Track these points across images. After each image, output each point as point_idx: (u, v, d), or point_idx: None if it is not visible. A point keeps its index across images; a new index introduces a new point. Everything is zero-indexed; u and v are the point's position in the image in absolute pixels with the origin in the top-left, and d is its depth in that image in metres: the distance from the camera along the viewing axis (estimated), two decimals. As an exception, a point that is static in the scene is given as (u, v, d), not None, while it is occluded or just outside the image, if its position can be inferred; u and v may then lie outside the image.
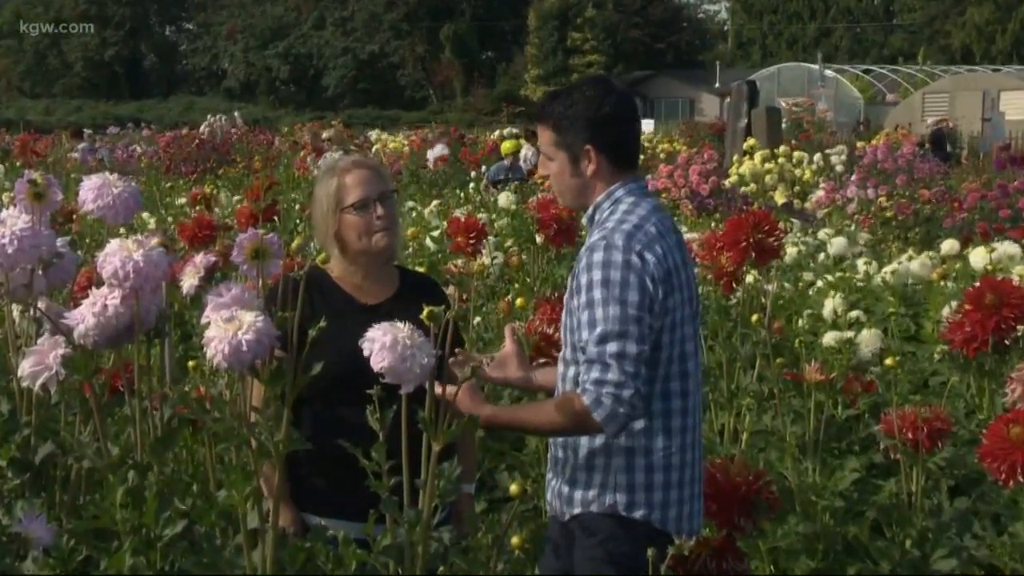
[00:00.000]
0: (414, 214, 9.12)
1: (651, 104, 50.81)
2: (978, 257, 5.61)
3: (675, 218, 10.49)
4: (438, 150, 16.90)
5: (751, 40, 62.13)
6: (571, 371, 2.48)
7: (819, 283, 5.96)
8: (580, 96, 2.50)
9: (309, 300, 2.58)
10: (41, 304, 2.12)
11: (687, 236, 5.82)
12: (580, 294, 2.38)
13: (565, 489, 2.51)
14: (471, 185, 13.41)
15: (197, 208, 6.62)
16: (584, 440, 2.46)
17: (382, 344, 1.87)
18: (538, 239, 5.79)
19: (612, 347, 2.31)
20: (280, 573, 1.84)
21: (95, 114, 46.59)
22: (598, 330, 2.33)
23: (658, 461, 2.46)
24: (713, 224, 8.63)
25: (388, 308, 2.75)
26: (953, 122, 23.09)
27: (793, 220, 9.23)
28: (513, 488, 2.21)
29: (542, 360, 3.01)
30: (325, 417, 2.68)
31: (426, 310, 1.94)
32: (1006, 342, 3.69)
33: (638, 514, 2.45)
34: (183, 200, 9.64)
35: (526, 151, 15.04)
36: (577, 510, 2.49)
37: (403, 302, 2.78)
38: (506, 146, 15.78)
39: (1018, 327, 3.66)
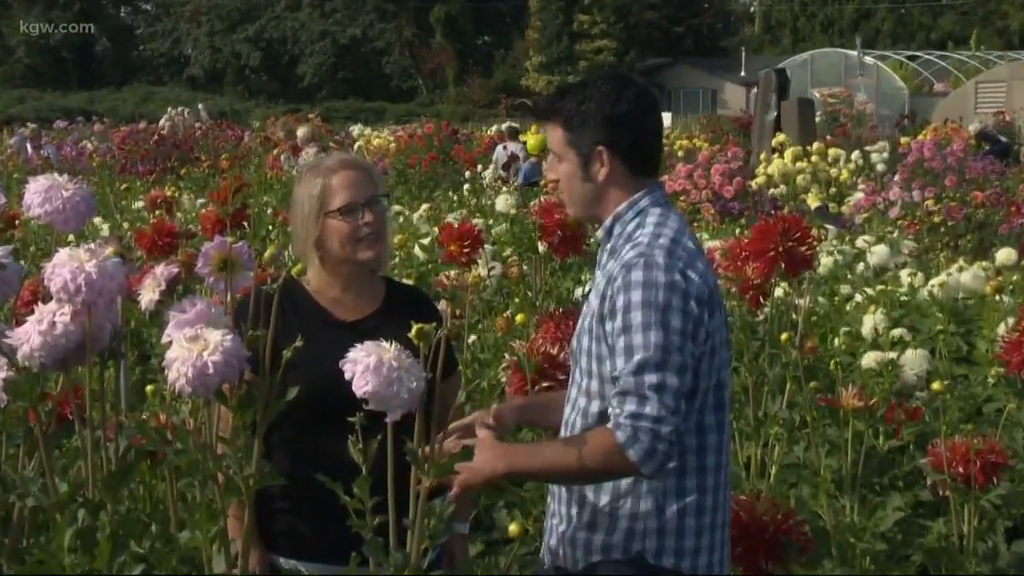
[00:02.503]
0: (401, 219, 9.14)
1: (668, 95, 50.87)
2: (1037, 268, 5.63)
3: (695, 224, 10.53)
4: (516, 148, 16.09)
5: (781, 23, 62.32)
6: (595, 406, 2.47)
7: (857, 297, 5.97)
8: (594, 91, 2.51)
9: (279, 315, 2.59)
10: (-20, 321, 2.13)
11: (708, 244, 5.84)
12: (615, 317, 2.37)
13: (581, 535, 2.51)
14: (465, 186, 13.44)
15: (156, 213, 6.62)
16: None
17: (366, 366, 1.88)
18: (541, 248, 5.79)
19: (651, 378, 2.30)
20: (250, 625, 1.85)
21: (39, 106, 46.56)
22: (636, 358, 2.32)
23: (691, 504, 2.47)
24: (738, 231, 8.64)
25: (369, 325, 2.76)
26: (1010, 115, 23.11)
27: (828, 226, 9.25)
28: (513, 528, 2.22)
29: (545, 384, 3.01)
30: (299, 448, 2.69)
31: (415, 328, 1.94)
32: (1069, 364, 3.69)
33: (668, 562, 2.46)
34: (140, 204, 9.66)
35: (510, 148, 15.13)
36: (596, 557, 2.49)
37: (387, 318, 2.79)
38: (533, 143, 15.64)
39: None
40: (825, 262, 6.86)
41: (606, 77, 2.60)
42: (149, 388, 3.26)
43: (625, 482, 2.44)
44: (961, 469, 3.23)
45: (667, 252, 2.39)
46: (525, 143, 15.87)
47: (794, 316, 4.48)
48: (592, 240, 4.90)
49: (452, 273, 5.02)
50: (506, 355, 4.33)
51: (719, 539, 2.52)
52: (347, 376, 1.89)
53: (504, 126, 18.61)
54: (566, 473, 2.40)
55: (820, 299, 6.06)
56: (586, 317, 2.52)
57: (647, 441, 2.27)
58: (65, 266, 1.89)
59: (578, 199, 2.56)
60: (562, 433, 2.58)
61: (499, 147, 16.34)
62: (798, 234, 3.86)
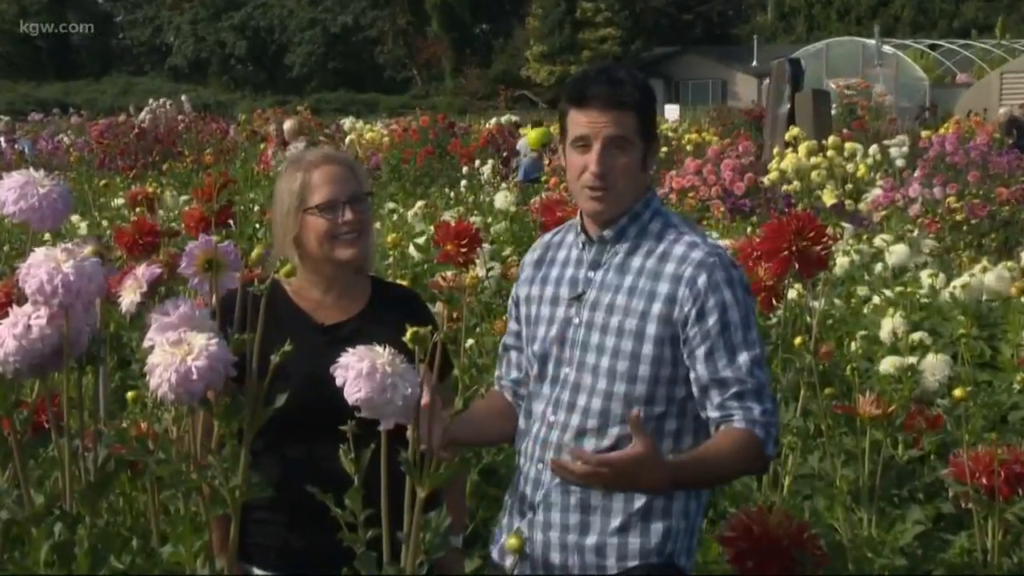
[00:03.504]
0: (396, 217, 9.14)
1: (676, 87, 50.94)
2: (1066, 268, 5.63)
3: (705, 223, 10.53)
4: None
5: (795, 10, 62.31)
6: (670, 424, 2.55)
7: (875, 299, 5.98)
8: (645, 81, 2.61)
9: (256, 318, 2.59)
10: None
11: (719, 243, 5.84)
12: (707, 317, 2.46)
13: (613, 540, 2.54)
14: (462, 183, 13.45)
15: (137, 210, 6.63)
16: None
17: (358, 372, 1.88)
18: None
19: (761, 375, 2.48)
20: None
21: (13, 97, 46.65)
22: (748, 355, 2.47)
23: (704, 502, 2.67)
24: (749, 229, 8.64)
25: (352, 329, 2.76)
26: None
27: (844, 225, 9.25)
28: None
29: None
30: (275, 459, 2.69)
31: (409, 331, 1.94)
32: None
33: (687, 563, 2.60)
34: (120, 201, 9.67)
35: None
36: (633, 562, 2.54)
37: (370, 321, 2.79)
38: (533, 137, 15.65)
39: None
40: (841, 262, 6.86)
41: (623, 66, 2.69)
42: (130, 395, 3.26)
43: None
44: (985, 480, 3.23)
45: (725, 251, 2.56)
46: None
47: (808, 319, 4.48)
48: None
49: (449, 274, 5.02)
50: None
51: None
52: (338, 382, 1.89)
53: (503, 119, 18.66)
54: (719, 480, 2.68)
55: (836, 301, 6.07)
56: (571, 309, 2.57)
57: (776, 436, 2.48)
58: (41, 267, 1.89)
59: (631, 191, 2.58)
60: (546, 434, 2.60)
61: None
62: (812, 233, 3.86)
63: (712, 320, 2.45)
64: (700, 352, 2.46)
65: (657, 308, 2.48)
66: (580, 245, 2.64)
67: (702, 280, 2.47)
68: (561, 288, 2.63)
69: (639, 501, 2.52)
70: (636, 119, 2.54)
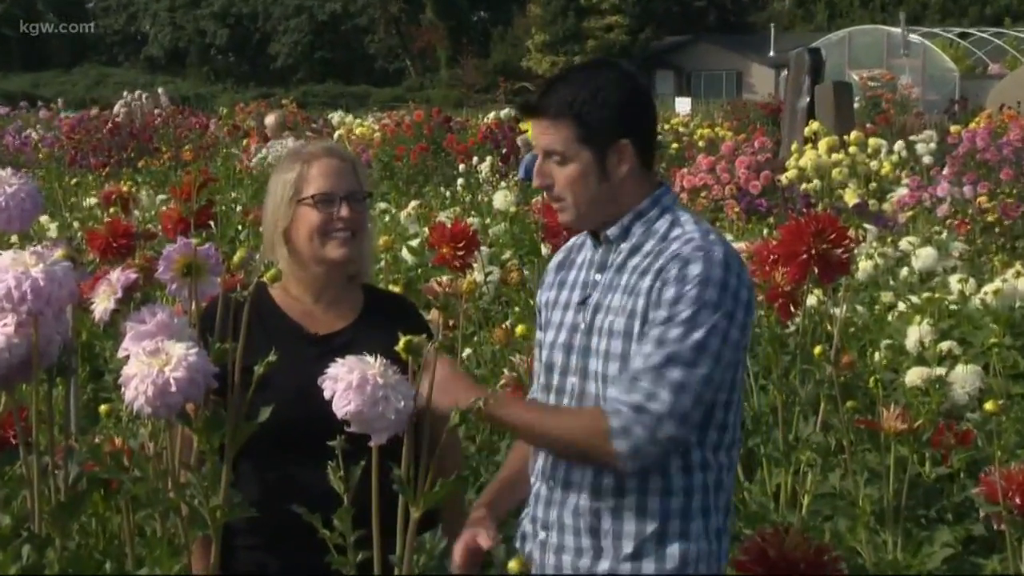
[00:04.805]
0: (388, 218, 9.15)
1: (687, 78, 50.97)
2: (1105, 273, 5.63)
3: (718, 224, 10.53)
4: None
5: (815, -4, 62.36)
6: None
7: (901, 306, 5.98)
8: (603, 78, 2.55)
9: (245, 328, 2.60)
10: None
11: (733, 246, 5.84)
12: (659, 309, 2.42)
13: (626, 567, 2.52)
14: (459, 181, 13.45)
15: (111, 211, 6.63)
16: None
17: (347, 384, 1.88)
18: (543, 250, 5.81)
19: (675, 374, 2.36)
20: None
21: (-23, 90, 46.71)
22: (667, 351, 2.37)
23: (729, 524, 2.64)
24: (766, 231, 8.64)
25: (346, 339, 2.77)
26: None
27: (868, 226, 9.25)
28: (512, 565, 2.22)
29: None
30: (263, 476, 2.69)
31: (403, 340, 1.95)
32: None
33: None
34: (93, 200, 9.66)
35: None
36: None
37: (364, 331, 2.80)
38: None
39: None
40: (864, 266, 6.86)
41: (600, 64, 2.66)
42: (103, 408, 3.26)
43: (676, 501, 2.49)
44: (1018, 500, 3.23)
45: (725, 251, 2.47)
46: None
47: (829, 327, 4.48)
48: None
49: (444, 279, 5.02)
50: (505, 370, 4.35)
51: None
52: (327, 395, 1.89)
53: (503, 113, 18.62)
54: (543, 437, 2.52)
55: (858, 308, 6.07)
56: (578, 313, 2.57)
57: (640, 438, 2.35)
58: (8, 271, 1.90)
59: (591, 202, 2.56)
60: (535, 457, 2.63)
61: None
62: (833, 235, 3.86)
63: (662, 311, 2.40)
64: (642, 339, 2.43)
65: (640, 304, 2.46)
66: (592, 245, 2.65)
67: (674, 271, 2.43)
68: (573, 292, 2.63)
69: (652, 524, 2.50)
70: (573, 127, 2.52)
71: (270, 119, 15.20)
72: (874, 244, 8.11)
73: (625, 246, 2.56)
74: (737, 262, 2.47)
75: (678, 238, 2.50)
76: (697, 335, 2.37)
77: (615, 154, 2.53)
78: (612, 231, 2.58)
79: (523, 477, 2.71)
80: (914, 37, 34.85)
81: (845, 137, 13.45)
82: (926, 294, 6.03)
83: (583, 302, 2.59)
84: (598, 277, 2.59)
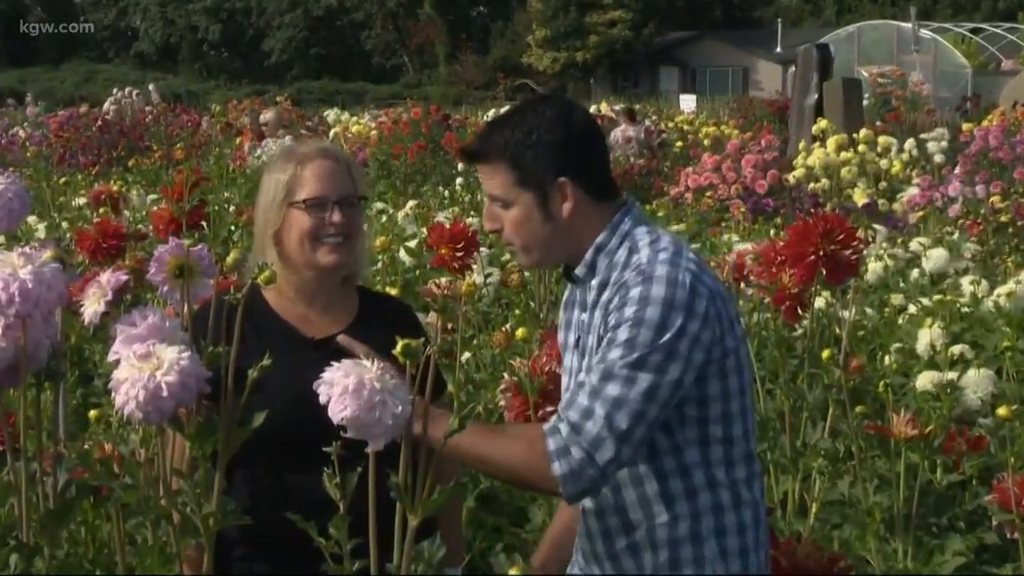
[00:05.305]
0: (385, 218, 9.14)
1: (692, 75, 51.00)
2: (1121, 275, 5.63)
3: (724, 224, 10.53)
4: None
5: (823, -9, 62.40)
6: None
7: (911, 308, 5.98)
8: (537, 118, 2.53)
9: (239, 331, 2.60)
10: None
11: (739, 247, 5.85)
12: (606, 336, 2.40)
13: None
14: (458, 180, 13.45)
15: (101, 211, 6.64)
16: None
17: (343, 388, 1.88)
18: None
19: (612, 389, 2.33)
20: None
21: (-36, 87, 46.71)
22: (603, 366, 2.35)
23: (753, 543, 2.56)
24: (773, 232, 8.65)
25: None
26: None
27: (877, 226, 9.26)
28: (513, 573, 2.22)
29: (550, 409, 3.02)
30: (259, 484, 2.69)
31: (400, 343, 1.94)
32: None
33: None
34: (82, 200, 9.67)
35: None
36: None
37: (360, 334, 2.79)
38: None
39: None
40: (873, 268, 6.86)
41: (539, 101, 2.64)
42: (92, 413, 3.26)
43: (683, 527, 2.46)
44: (1032, 507, 3.24)
45: (669, 263, 2.41)
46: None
47: (837, 330, 4.48)
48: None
49: (443, 281, 5.03)
50: (505, 375, 4.34)
51: None
52: (322, 399, 1.89)
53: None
54: (480, 456, 2.43)
55: (868, 311, 6.07)
56: (576, 357, 2.56)
57: (577, 460, 2.31)
58: (-4, 273, 1.90)
59: (539, 244, 2.55)
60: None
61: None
62: (842, 236, 3.87)
63: (607, 337, 2.38)
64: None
65: (593, 342, 2.47)
66: (569, 286, 2.66)
67: (615, 301, 2.41)
68: (570, 334, 2.64)
69: (664, 554, 2.47)
70: (509, 170, 2.51)
71: (269, 116, 15.20)
72: (884, 245, 8.12)
73: (595, 283, 2.54)
74: (689, 276, 2.39)
75: (628, 266, 2.47)
76: (637, 352, 2.33)
77: (557, 193, 2.50)
78: (579, 269, 2.56)
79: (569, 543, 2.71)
80: (925, 32, 34.87)
81: (854, 135, 13.48)
82: (937, 296, 6.04)
83: (576, 344, 2.59)
84: (584, 317, 2.57)
